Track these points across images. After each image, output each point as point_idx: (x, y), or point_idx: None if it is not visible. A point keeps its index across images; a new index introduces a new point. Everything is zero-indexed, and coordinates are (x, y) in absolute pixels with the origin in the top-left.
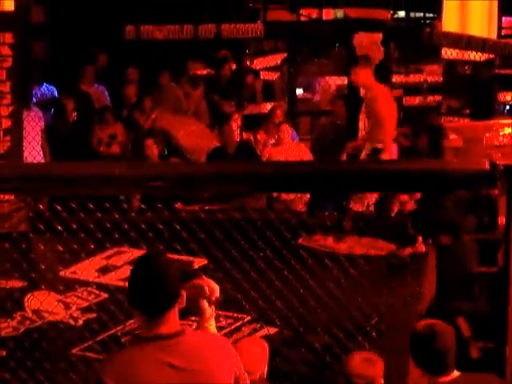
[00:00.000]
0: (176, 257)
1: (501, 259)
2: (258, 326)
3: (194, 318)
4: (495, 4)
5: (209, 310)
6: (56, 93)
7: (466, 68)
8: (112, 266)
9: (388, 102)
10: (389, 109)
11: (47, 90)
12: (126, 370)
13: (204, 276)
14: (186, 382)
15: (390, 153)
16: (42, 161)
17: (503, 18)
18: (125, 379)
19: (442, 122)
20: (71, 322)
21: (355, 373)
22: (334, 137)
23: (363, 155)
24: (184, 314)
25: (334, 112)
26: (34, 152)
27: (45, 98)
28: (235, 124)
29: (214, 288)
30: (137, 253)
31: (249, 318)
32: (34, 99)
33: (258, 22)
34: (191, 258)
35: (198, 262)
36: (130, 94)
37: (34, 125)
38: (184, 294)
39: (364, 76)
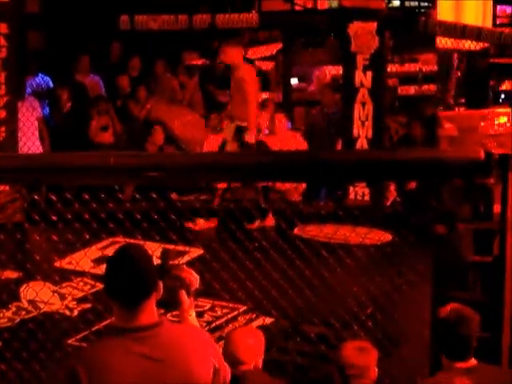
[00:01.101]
0: (172, 247)
1: (496, 248)
2: (254, 315)
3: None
4: None
5: (187, 301)
6: (51, 83)
7: (461, 57)
8: (107, 257)
9: (254, 83)
10: (255, 90)
11: (42, 80)
12: (100, 361)
13: (184, 267)
14: (162, 374)
15: (254, 132)
16: (38, 151)
17: (498, 7)
18: (98, 370)
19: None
20: (67, 312)
21: (348, 362)
22: (323, 126)
23: (228, 134)
24: (167, 307)
25: (321, 101)
26: (29, 143)
27: (40, 89)
28: None
29: (193, 279)
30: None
31: (245, 307)
32: (29, 89)
33: (253, 11)
34: (187, 248)
35: (194, 252)
36: (123, 85)
37: (28, 115)
38: (161, 284)
39: (232, 55)
